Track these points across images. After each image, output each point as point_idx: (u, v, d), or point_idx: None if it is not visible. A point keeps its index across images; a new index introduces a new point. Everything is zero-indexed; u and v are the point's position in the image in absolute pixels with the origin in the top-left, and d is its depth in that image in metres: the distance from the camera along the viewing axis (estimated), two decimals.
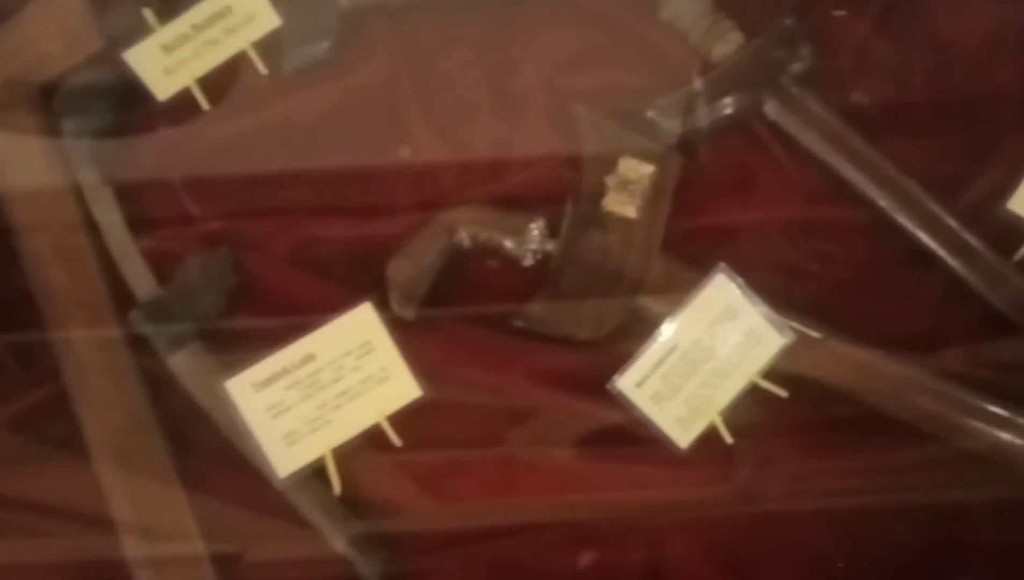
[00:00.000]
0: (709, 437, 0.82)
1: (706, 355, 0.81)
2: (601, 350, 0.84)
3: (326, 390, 0.82)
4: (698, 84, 0.92)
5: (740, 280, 0.82)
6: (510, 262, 0.89)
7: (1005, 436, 0.82)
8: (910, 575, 0.83)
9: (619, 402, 0.81)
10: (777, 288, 0.87)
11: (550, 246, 0.87)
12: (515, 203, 0.90)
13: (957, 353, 0.87)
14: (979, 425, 0.83)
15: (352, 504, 0.83)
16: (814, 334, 0.84)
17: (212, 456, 0.84)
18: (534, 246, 0.87)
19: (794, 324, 0.83)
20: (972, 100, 0.94)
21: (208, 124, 0.93)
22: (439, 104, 0.95)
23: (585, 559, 0.81)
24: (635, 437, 0.82)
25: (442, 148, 0.94)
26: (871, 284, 0.90)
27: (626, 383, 0.80)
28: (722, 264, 0.83)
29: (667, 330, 0.81)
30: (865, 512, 0.84)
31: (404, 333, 0.84)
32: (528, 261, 0.87)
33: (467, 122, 0.95)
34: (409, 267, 0.85)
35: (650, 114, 0.91)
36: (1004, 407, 0.83)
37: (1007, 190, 0.88)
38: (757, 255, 0.89)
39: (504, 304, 0.87)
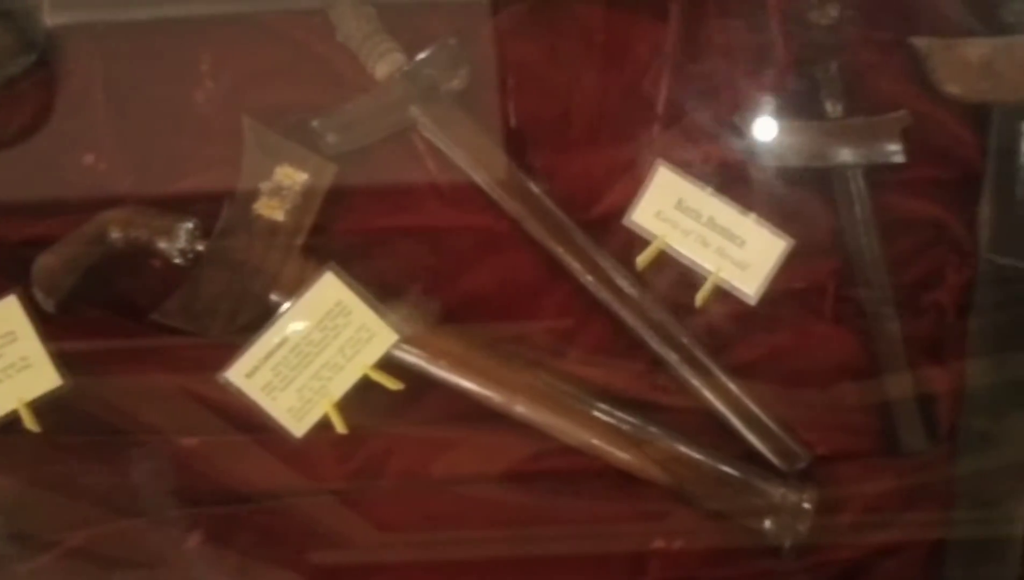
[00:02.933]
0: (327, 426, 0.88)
1: (317, 349, 0.87)
2: (235, 344, 0.90)
3: None
4: (362, 100, 0.99)
5: (350, 278, 0.88)
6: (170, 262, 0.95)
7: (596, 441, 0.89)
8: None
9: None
10: (418, 290, 0.94)
11: (200, 246, 0.93)
12: (187, 207, 0.96)
13: (582, 357, 0.94)
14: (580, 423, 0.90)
15: None
16: (432, 333, 0.90)
17: None
18: (182, 246, 0.93)
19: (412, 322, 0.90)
20: (621, 117, 1.00)
21: None
22: (127, 115, 1.01)
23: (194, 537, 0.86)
24: (260, 425, 0.88)
25: (123, 156, 1.00)
26: (508, 289, 0.96)
27: (236, 374, 0.86)
28: (332, 263, 0.89)
29: (278, 324, 0.87)
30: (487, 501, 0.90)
31: (52, 326, 0.90)
32: (179, 260, 0.93)
33: (151, 132, 1.01)
34: (54, 262, 0.91)
35: (314, 126, 0.98)
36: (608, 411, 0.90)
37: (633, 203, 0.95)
38: (402, 259, 0.96)
39: (158, 300, 0.93)
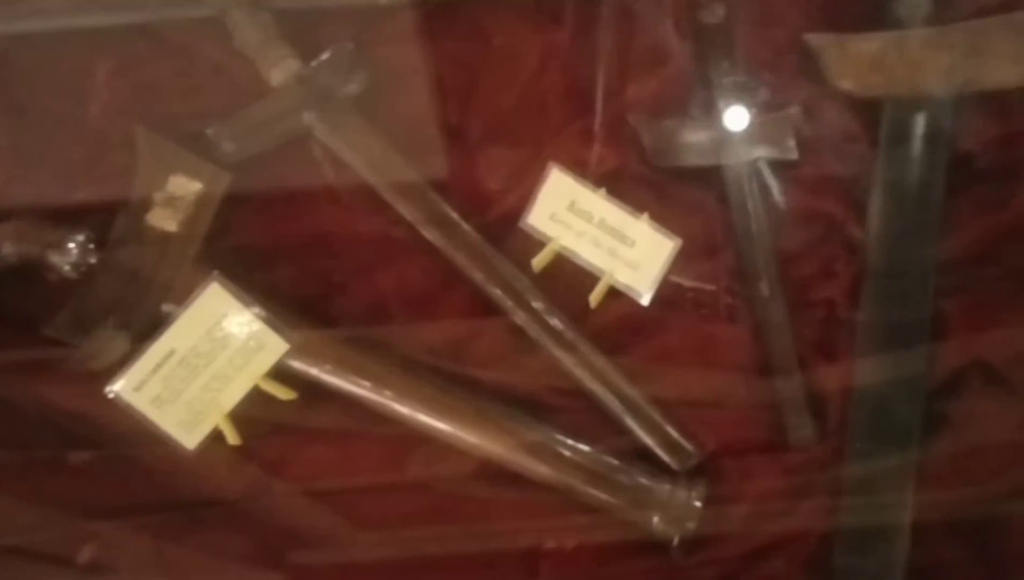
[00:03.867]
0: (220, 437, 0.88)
1: (206, 360, 0.87)
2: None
3: None
4: (258, 106, 0.98)
5: (237, 288, 0.88)
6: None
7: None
8: None
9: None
10: (316, 299, 0.94)
11: (93, 259, 0.93)
12: (82, 219, 0.96)
13: (479, 360, 0.95)
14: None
15: None
16: (323, 338, 0.90)
17: None
18: (74, 259, 0.92)
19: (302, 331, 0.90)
20: (518, 119, 1.01)
21: None
22: (21, 127, 1.01)
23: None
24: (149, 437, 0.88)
25: (17, 168, 0.99)
26: (405, 294, 0.97)
27: (123, 387, 0.86)
28: (216, 272, 0.89)
29: (165, 336, 0.87)
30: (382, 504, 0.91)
31: None
32: (71, 273, 0.93)
33: (44, 143, 1.00)
34: None
35: (210, 134, 0.97)
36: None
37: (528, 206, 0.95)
38: (299, 266, 0.96)
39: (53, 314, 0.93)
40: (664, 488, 0.88)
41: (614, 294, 0.94)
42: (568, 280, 0.95)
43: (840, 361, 0.93)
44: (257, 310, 0.89)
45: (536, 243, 0.96)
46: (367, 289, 0.97)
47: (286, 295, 0.94)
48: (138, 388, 0.86)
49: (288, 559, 0.90)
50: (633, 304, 0.94)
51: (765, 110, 0.98)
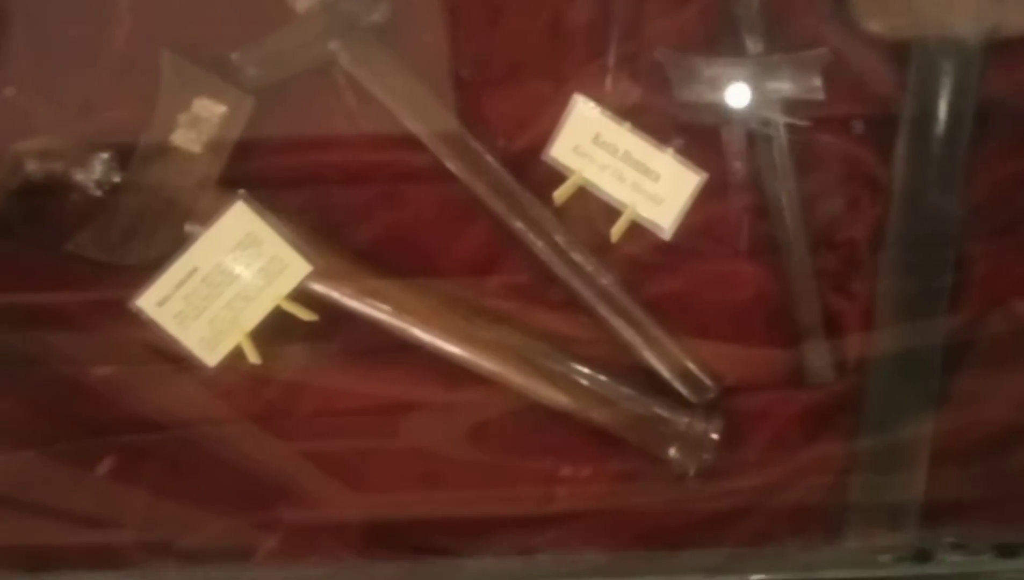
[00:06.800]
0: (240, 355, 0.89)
1: (229, 279, 0.88)
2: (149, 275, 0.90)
3: None
4: (282, 33, 0.98)
5: (262, 208, 0.88)
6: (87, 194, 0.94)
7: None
8: None
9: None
10: (336, 227, 0.94)
11: (117, 178, 0.93)
12: (104, 140, 0.96)
13: (498, 291, 0.95)
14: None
15: None
16: (345, 263, 0.91)
17: None
18: (98, 177, 0.92)
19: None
20: (543, 52, 1.00)
21: None
22: (46, 51, 1.00)
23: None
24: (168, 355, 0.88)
25: (39, 90, 0.99)
26: (426, 225, 0.97)
27: (147, 302, 0.86)
28: (242, 191, 0.89)
29: (188, 254, 0.87)
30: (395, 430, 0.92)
31: None
32: (95, 192, 0.93)
33: (70, 66, 1.00)
34: None
35: (233, 59, 0.97)
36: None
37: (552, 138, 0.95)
38: (319, 194, 0.96)
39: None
40: (682, 420, 0.88)
41: (635, 229, 0.94)
42: (589, 213, 0.95)
43: (860, 301, 0.93)
44: (282, 230, 0.88)
45: (558, 176, 0.95)
46: (387, 218, 0.96)
47: (306, 221, 0.94)
48: (161, 303, 0.86)
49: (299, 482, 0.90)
50: (655, 238, 0.93)
51: (791, 50, 0.97)
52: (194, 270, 0.87)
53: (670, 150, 0.94)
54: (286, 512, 0.89)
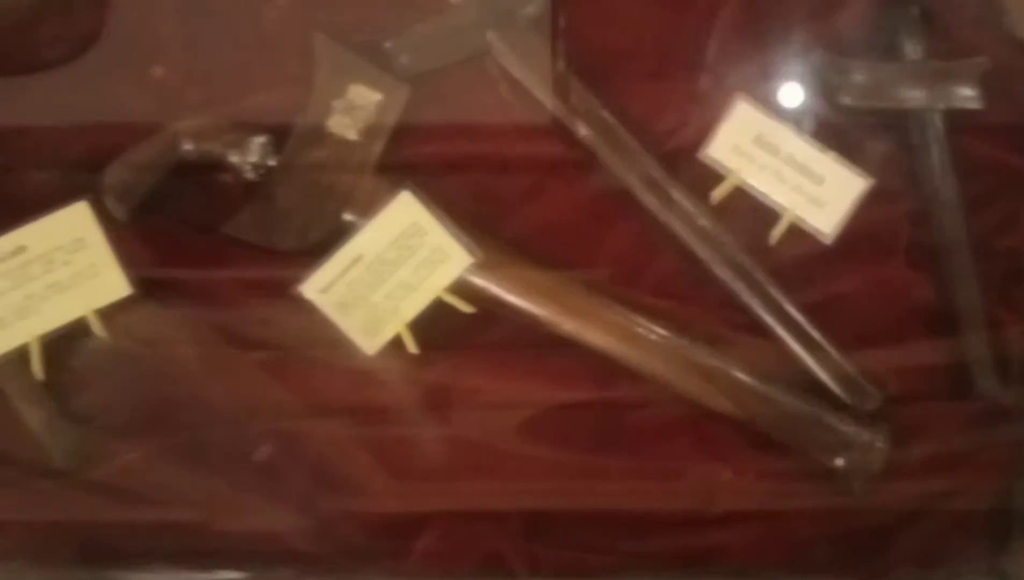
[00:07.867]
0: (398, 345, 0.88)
1: (391, 268, 0.86)
2: (305, 261, 0.89)
3: (36, 281, 0.87)
4: (436, 21, 0.97)
5: (426, 198, 0.87)
6: (241, 176, 0.93)
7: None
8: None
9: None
10: (486, 218, 0.93)
11: (272, 161, 0.92)
12: (255, 123, 0.95)
13: (653, 289, 0.94)
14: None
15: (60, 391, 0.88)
16: (502, 256, 0.89)
17: None
18: (254, 160, 0.92)
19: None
20: (696, 49, 0.99)
21: None
22: (196, 29, 1.00)
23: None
24: (330, 340, 0.87)
25: (193, 70, 0.98)
26: (578, 220, 0.95)
27: (311, 289, 0.85)
28: (408, 182, 0.88)
29: (354, 242, 0.86)
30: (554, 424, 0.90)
31: (121, 234, 0.89)
32: (250, 174, 0.92)
33: (220, 48, 0.99)
34: (126, 171, 0.89)
35: (387, 47, 0.96)
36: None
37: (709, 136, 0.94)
38: (471, 185, 0.95)
39: (227, 216, 0.92)
40: (850, 428, 0.86)
41: (794, 232, 0.93)
42: (745, 215, 0.94)
43: (1022, 311, 0.92)
44: (444, 221, 0.87)
45: (714, 175, 0.94)
46: (538, 211, 0.95)
47: (456, 211, 0.93)
48: (324, 290, 0.85)
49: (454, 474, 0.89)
50: (815, 242, 0.92)
51: (950, 57, 0.96)
52: (358, 258, 0.86)
53: (832, 153, 0.92)
54: (442, 502, 0.88)
